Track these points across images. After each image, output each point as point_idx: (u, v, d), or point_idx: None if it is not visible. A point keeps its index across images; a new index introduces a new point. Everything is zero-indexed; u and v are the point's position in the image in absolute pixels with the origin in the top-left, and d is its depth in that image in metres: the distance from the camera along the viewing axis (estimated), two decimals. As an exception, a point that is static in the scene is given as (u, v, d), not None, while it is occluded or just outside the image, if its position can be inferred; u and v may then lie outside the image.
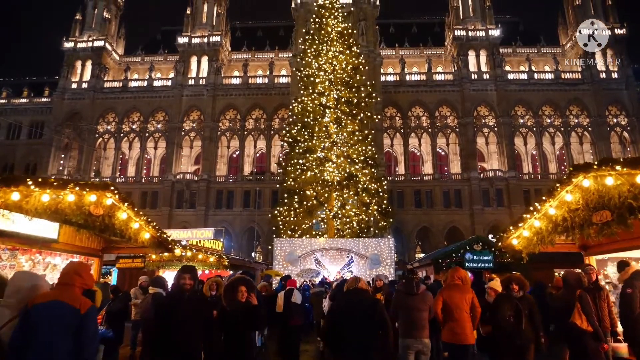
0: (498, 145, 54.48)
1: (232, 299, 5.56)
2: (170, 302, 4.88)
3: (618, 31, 56.21)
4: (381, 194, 25.16)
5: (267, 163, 56.95)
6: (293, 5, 55.16)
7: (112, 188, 7.73)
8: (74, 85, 59.35)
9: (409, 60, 60.32)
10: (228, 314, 5.45)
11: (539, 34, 64.00)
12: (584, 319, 5.93)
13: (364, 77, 28.22)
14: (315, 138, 25.21)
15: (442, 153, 58.42)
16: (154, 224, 9.43)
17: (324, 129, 25.25)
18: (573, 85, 55.19)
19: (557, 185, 6.47)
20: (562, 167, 55.05)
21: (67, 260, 9.17)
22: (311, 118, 25.50)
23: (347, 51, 27.34)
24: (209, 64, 59.13)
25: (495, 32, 57.19)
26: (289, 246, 21.25)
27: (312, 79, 26.31)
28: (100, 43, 60.52)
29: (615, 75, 55.06)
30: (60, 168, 57.92)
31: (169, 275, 17.38)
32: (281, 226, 24.57)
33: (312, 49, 27.34)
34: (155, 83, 59.71)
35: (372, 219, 25.05)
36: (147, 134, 58.40)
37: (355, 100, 26.03)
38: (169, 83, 59.11)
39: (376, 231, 24.98)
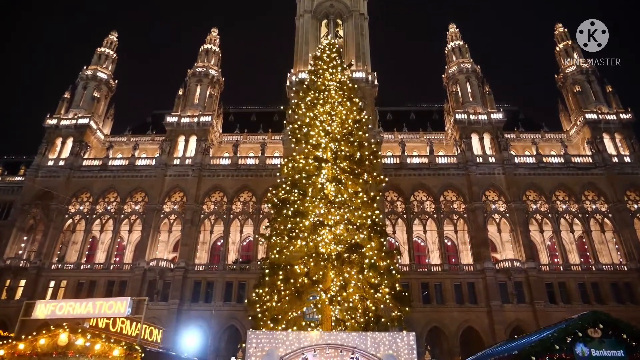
0: (512, 233, 49.28)
1: None
2: None
3: (623, 116, 54.65)
4: (393, 272, 19.08)
5: (254, 251, 50.64)
6: (288, 83, 53.54)
7: None
8: (50, 163, 55.14)
9: (409, 144, 57.40)
10: None
11: (540, 121, 62.45)
12: None
13: (367, 135, 23.82)
14: (308, 200, 19.91)
15: (449, 244, 52.89)
16: None
17: (319, 187, 20.04)
18: (585, 170, 51.72)
19: None
20: (584, 258, 49.32)
21: None
22: (304, 175, 20.41)
23: (348, 103, 23.24)
24: (197, 144, 55.73)
25: (498, 115, 55.20)
26: (268, 342, 14.72)
27: (305, 129, 21.72)
28: (84, 120, 57.52)
29: (627, 159, 51.99)
30: (20, 252, 51.39)
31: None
32: (260, 315, 18.15)
33: (307, 100, 23.23)
34: (138, 162, 55.51)
35: (382, 306, 18.71)
36: (122, 216, 52.74)
37: (358, 157, 21.22)
38: (153, 162, 55.00)
39: (388, 323, 18.41)
